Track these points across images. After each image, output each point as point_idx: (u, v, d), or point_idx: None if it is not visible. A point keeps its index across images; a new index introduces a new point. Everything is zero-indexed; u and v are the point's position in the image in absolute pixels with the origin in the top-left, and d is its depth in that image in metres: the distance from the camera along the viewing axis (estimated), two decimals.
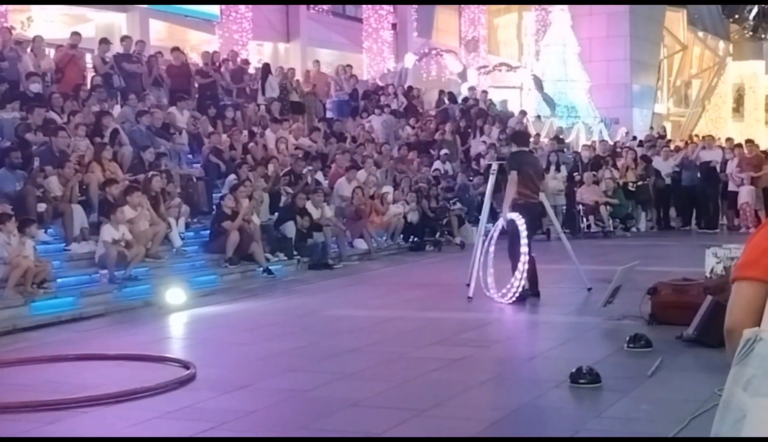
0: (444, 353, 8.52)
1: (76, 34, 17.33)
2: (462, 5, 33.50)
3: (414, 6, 30.98)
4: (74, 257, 12.56)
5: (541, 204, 11.93)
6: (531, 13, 35.82)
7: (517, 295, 10.98)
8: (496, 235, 11.75)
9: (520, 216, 11.14)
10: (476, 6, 33.42)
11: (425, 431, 6.08)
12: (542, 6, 34.51)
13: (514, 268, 11.14)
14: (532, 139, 24.51)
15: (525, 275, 11.04)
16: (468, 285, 11.78)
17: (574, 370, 7.05)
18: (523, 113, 27.71)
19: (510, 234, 11.42)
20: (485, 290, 11.34)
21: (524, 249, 11.04)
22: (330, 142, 20.09)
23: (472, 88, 27.86)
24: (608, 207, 20.71)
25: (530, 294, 11.35)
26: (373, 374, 7.79)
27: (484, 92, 27.54)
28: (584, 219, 20.68)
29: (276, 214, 15.75)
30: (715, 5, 44.32)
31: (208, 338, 9.86)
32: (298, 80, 22.43)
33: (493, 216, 18.68)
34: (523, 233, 11.05)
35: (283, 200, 16.07)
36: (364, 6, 29.43)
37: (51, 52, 17.48)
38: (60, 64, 16.65)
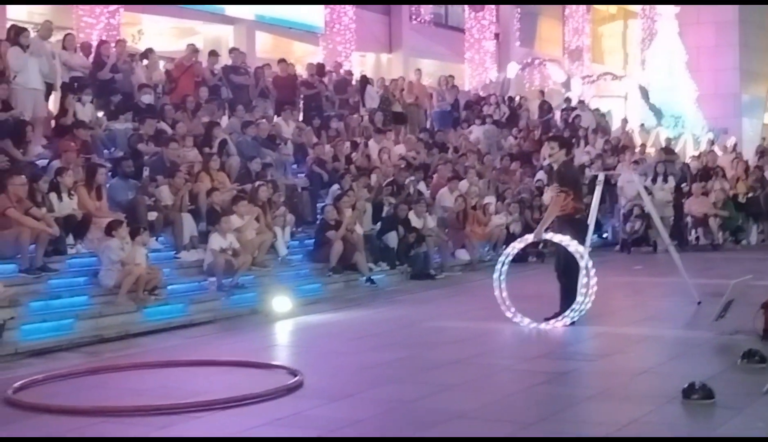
0: (549, 366, 8.43)
1: (192, 45, 17.73)
2: (567, 14, 33.16)
3: (517, 15, 30.83)
4: (184, 265, 12.85)
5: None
6: (636, 21, 35.28)
7: (575, 319, 10.28)
8: (513, 253, 10.82)
9: (570, 236, 10.23)
10: (580, 14, 33.07)
11: None
12: (648, 14, 33.96)
13: (566, 290, 10.38)
14: (637, 149, 24.27)
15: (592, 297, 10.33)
16: None
17: (686, 385, 6.90)
18: (625, 122, 27.31)
19: (562, 255, 10.48)
20: (507, 311, 10.59)
21: (588, 265, 10.19)
22: (432, 152, 20.09)
23: (576, 99, 27.55)
24: (718, 219, 20.21)
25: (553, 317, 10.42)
26: (477, 386, 7.76)
27: (581, 103, 27.19)
28: (693, 231, 20.24)
29: (379, 224, 15.83)
30: None
31: (313, 347, 9.97)
32: (401, 91, 22.49)
33: (598, 228, 18.53)
34: (579, 251, 10.20)
35: (386, 210, 16.16)
36: (466, 16, 29.40)
37: (161, 64, 17.93)
38: (174, 75, 17.04)
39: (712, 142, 27.49)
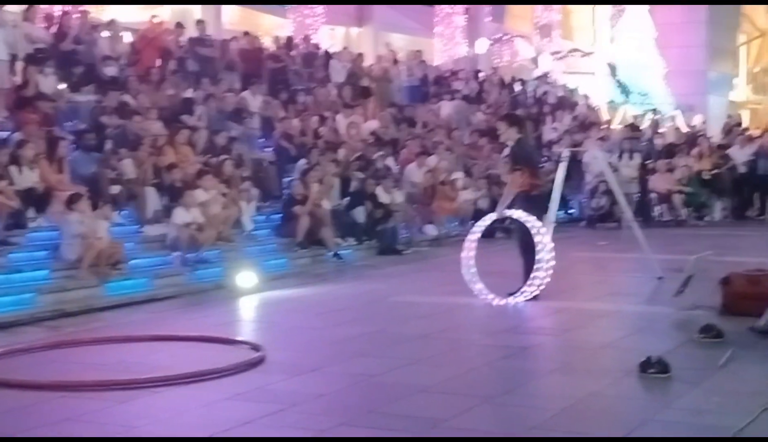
0: (513, 340, 8.49)
1: (156, 17, 17.55)
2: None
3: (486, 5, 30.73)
4: (147, 239, 12.78)
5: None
6: None
7: (535, 293, 10.31)
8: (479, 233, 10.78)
9: (527, 212, 10.31)
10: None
11: (492, 418, 6.07)
12: None
13: (528, 266, 10.41)
14: (604, 126, 24.36)
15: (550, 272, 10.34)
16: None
17: (643, 359, 6.97)
18: (586, 98, 27.37)
19: (522, 231, 10.56)
20: (473, 288, 10.52)
21: (545, 242, 10.20)
22: (401, 127, 20.07)
23: (544, 75, 27.59)
24: (681, 195, 20.37)
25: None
26: (441, 360, 7.80)
27: (555, 82, 27.27)
28: (657, 208, 20.38)
29: (346, 199, 15.81)
30: None
31: (278, 322, 9.95)
32: (370, 65, 22.41)
33: (564, 203, 18.59)
34: (536, 226, 10.26)
35: (354, 185, 16.13)
36: None
37: (126, 36, 17.74)
38: (138, 47, 16.88)
39: (672, 119, 27.61)
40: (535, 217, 10.37)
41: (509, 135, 10.80)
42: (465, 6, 29.67)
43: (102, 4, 19.58)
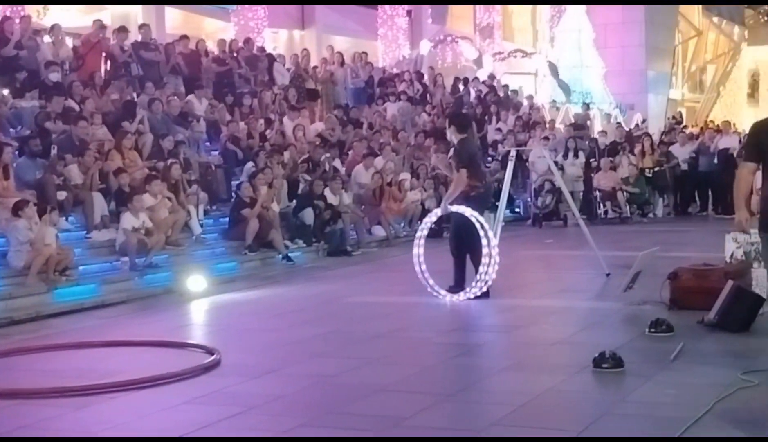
0: (467, 338, 8.58)
1: (98, 21, 17.36)
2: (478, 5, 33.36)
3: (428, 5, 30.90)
4: (95, 245, 12.65)
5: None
6: None
7: (483, 290, 10.43)
8: (427, 229, 10.90)
9: (471, 210, 10.45)
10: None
11: (452, 415, 6.13)
12: None
13: (459, 265, 10.68)
14: (547, 125, 24.61)
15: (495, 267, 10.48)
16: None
17: (597, 355, 7.09)
18: (531, 98, 27.68)
19: (456, 228, 10.83)
20: (428, 286, 10.68)
21: (487, 242, 10.37)
22: (347, 129, 20.10)
23: (491, 76, 27.79)
24: (625, 193, 20.69)
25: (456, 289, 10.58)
26: (397, 359, 7.85)
27: (498, 82, 27.53)
28: (601, 205, 20.67)
29: (294, 201, 15.80)
30: None
31: (231, 325, 9.92)
32: (315, 68, 22.42)
33: (510, 202, 18.77)
34: (478, 224, 10.41)
35: (302, 187, 16.13)
36: None
37: (69, 41, 17.53)
38: (81, 52, 16.68)
39: (610, 117, 27.95)
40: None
41: (452, 135, 10.91)
42: (407, 8, 29.80)
43: (47, 4, 19.37)
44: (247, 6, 24.28)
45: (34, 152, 12.98)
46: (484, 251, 10.36)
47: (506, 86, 27.74)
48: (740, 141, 21.82)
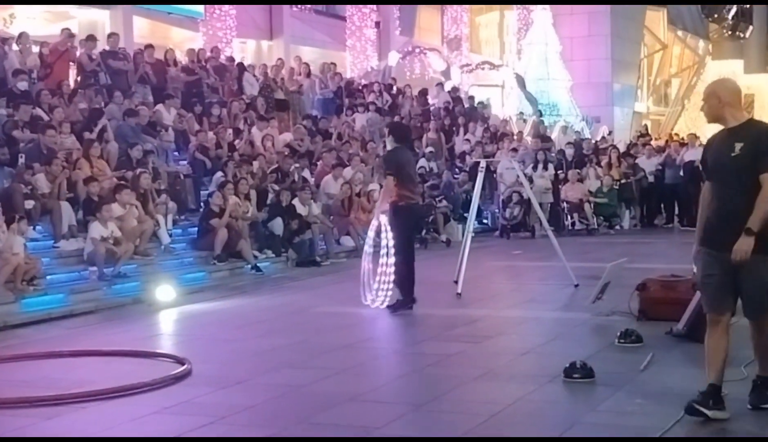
0: (437, 348, 8.59)
1: (67, 29, 17.26)
2: (444, 4, 33.55)
3: (396, 4, 31.03)
4: (63, 254, 12.56)
5: (423, 205, 11.09)
6: (513, 12, 35.97)
7: (385, 303, 10.51)
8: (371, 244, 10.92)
9: (393, 223, 10.50)
10: (458, 5, 33.48)
11: (424, 425, 6.16)
12: (524, 5, 34.65)
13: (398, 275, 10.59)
14: (515, 137, 24.75)
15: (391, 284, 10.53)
16: (456, 282, 11.86)
17: (567, 365, 7.14)
18: (500, 109, 27.91)
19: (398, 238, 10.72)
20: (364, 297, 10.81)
21: (392, 260, 10.44)
22: (315, 140, 20.11)
23: (454, 89, 27.93)
24: (591, 205, 20.85)
25: (407, 305, 10.53)
26: (368, 369, 7.87)
27: (466, 94, 27.70)
28: (569, 217, 20.81)
29: (264, 211, 15.77)
30: (695, 5, 44.66)
31: (200, 335, 9.89)
32: (282, 79, 22.42)
33: (478, 214, 18.86)
34: (391, 241, 10.46)
35: (270, 198, 16.11)
36: (347, 5, 29.44)
37: (36, 49, 17.40)
38: (49, 60, 16.57)
39: (566, 129, 28.17)
40: (403, 229, 10.56)
41: (390, 144, 10.99)
42: (375, 19, 29.91)
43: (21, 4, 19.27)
44: (215, 16, 24.23)
45: (2, 161, 12.88)
46: (382, 260, 10.46)
47: (472, 98, 27.88)
48: None
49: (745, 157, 5.74)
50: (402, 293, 10.57)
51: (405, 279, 10.56)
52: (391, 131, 11.19)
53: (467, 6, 34.06)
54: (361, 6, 29.26)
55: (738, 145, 5.78)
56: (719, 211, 5.84)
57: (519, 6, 34.98)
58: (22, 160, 13.26)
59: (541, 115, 28.66)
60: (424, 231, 18.58)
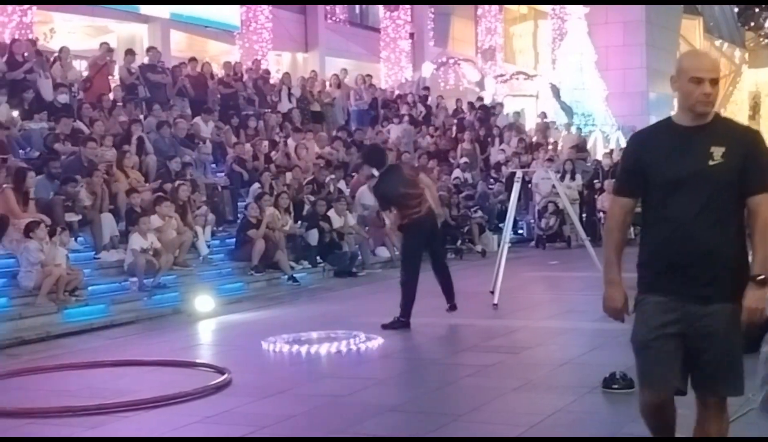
0: (475, 359, 8.61)
1: (105, 44, 17.48)
2: (479, 14, 33.57)
3: (431, 15, 31.12)
4: (104, 265, 12.72)
5: (430, 211, 10.49)
6: (547, 21, 35.92)
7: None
8: None
9: (404, 243, 10.67)
10: (492, 15, 33.50)
11: (463, 435, 6.16)
12: (558, 14, 34.59)
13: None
14: (550, 147, 24.71)
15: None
16: (492, 292, 11.85)
17: (607, 375, 7.13)
18: (544, 116, 27.88)
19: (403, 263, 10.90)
20: None
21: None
22: (350, 151, 20.20)
23: (492, 101, 27.92)
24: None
25: (402, 324, 10.32)
26: (407, 379, 7.90)
27: (500, 104, 27.71)
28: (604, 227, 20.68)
29: (299, 222, 15.88)
30: (731, 14, 44.37)
31: (239, 345, 9.97)
32: (319, 92, 22.57)
33: (514, 224, 18.84)
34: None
35: (306, 209, 16.21)
36: (381, 16, 29.59)
37: (76, 64, 17.66)
38: (90, 74, 16.79)
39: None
40: (404, 247, 10.73)
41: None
42: (410, 30, 30.00)
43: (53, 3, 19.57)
44: (251, 29, 24.44)
45: (53, 174, 13.04)
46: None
47: (501, 105, 27.82)
48: None
49: (728, 168, 4.12)
50: (401, 312, 10.38)
51: (405, 297, 10.41)
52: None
53: (501, 16, 34.07)
54: (395, 17, 29.37)
55: (717, 151, 4.13)
56: (685, 244, 4.14)
57: (553, 15, 34.91)
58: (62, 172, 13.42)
59: (580, 131, 28.52)
60: (459, 242, 18.60)
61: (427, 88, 27.13)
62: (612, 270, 4.40)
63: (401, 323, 10.30)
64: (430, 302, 11.99)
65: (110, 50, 17.42)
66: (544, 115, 28.67)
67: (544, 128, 26.93)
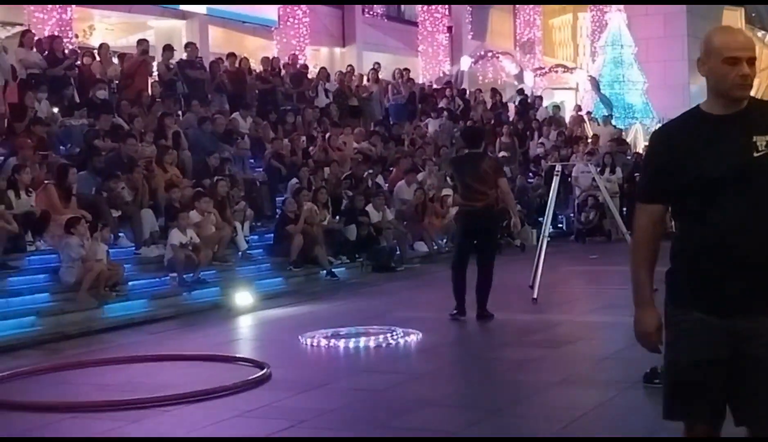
0: (515, 353, 8.56)
1: (144, 41, 17.58)
2: (517, 6, 33.40)
3: (468, 8, 31.00)
4: (144, 261, 12.80)
5: (486, 209, 10.44)
6: (586, 13, 35.63)
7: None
8: None
9: (458, 232, 10.77)
10: (531, 7, 33.33)
11: (504, 430, 6.13)
12: (598, 6, 34.31)
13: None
14: (590, 141, 24.51)
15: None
16: (531, 287, 11.78)
17: (648, 370, 7.05)
18: (577, 110, 27.68)
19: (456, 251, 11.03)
20: None
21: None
22: (388, 145, 20.17)
23: (532, 92, 27.74)
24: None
25: (454, 312, 10.41)
26: (446, 374, 7.88)
27: (539, 98, 27.54)
28: None
29: (337, 217, 15.89)
30: None
31: (279, 340, 9.98)
32: (357, 86, 22.56)
33: (553, 218, 18.72)
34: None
35: (345, 204, 16.21)
36: (419, 9, 29.51)
37: (115, 60, 17.78)
38: (129, 71, 16.90)
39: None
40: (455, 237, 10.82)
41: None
42: (447, 24, 29.90)
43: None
44: (289, 24, 24.48)
45: (97, 169, 13.14)
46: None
47: (540, 99, 27.64)
48: None
49: None
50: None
51: (453, 285, 10.53)
52: (462, 135, 11.27)
53: (540, 8, 33.86)
54: (432, 11, 29.28)
55: (761, 140, 3.50)
56: (729, 253, 3.45)
57: (593, 7, 34.63)
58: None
59: (611, 117, 28.26)
60: (498, 236, 18.47)
61: (463, 90, 26.94)
62: (642, 290, 3.70)
63: (455, 311, 10.36)
64: (469, 297, 11.93)
65: (146, 50, 17.40)
66: (579, 107, 28.48)
67: (579, 121, 26.73)
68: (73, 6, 18.93)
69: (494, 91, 26.45)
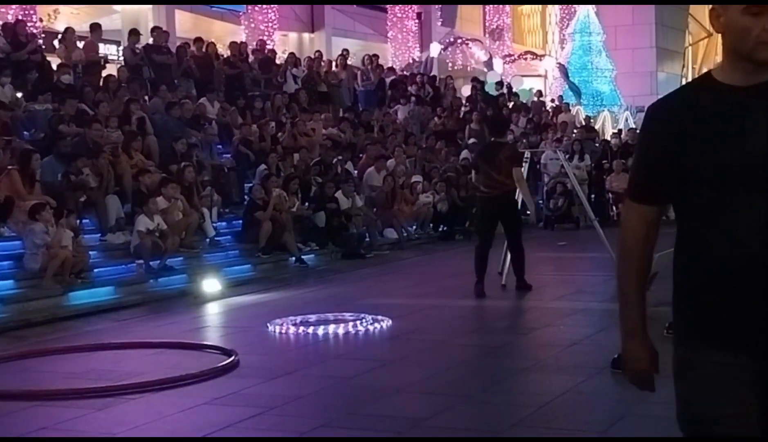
0: (484, 340, 8.57)
1: (97, 25, 17.36)
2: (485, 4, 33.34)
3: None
4: (110, 248, 12.67)
5: (501, 197, 10.88)
6: None
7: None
8: None
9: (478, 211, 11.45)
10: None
11: (472, 416, 6.12)
12: None
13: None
14: (561, 127, 24.57)
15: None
16: (500, 273, 11.80)
17: (616, 356, 7.04)
18: (540, 100, 27.75)
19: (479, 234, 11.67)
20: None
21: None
22: (358, 132, 20.10)
23: (499, 83, 27.74)
24: None
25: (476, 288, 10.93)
26: (415, 360, 7.84)
27: (509, 87, 27.57)
28: (614, 207, 20.62)
29: (306, 204, 15.81)
30: None
31: (247, 327, 9.90)
32: (326, 72, 22.45)
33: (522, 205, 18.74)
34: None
35: (314, 190, 16.13)
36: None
37: (80, 44, 17.55)
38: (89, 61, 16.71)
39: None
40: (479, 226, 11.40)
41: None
42: (417, 11, 29.82)
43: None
44: (257, 9, 24.30)
45: (62, 153, 12.97)
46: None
47: (509, 85, 27.65)
48: None
49: None
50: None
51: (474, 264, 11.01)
52: (486, 122, 11.75)
53: None
54: None
55: None
56: (753, 268, 2.56)
57: None
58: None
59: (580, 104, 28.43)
60: (467, 223, 18.50)
61: (433, 77, 26.87)
62: (631, 313, 2.89)
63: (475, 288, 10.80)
64: (443, 284, 11.98)
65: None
66: (539, 93, 28.53)
67: (539, 107, 26.78)
68: None
69: (476, 81, 26.40)
